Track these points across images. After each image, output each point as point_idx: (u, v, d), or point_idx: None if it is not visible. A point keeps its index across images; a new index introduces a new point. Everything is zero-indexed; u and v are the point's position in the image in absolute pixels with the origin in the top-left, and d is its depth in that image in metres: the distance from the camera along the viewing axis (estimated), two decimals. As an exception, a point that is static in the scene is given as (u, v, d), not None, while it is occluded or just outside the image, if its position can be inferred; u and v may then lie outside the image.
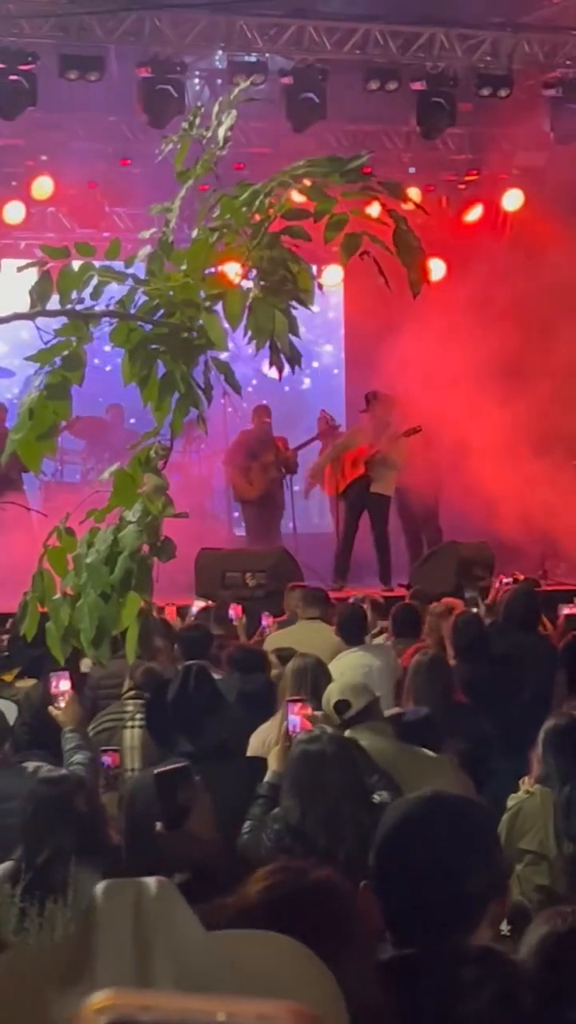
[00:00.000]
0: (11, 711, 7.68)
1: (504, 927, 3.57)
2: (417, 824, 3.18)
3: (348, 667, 9.18)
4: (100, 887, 1.72)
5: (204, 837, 4.41)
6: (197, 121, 4.62)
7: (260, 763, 6.78)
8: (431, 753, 7.14)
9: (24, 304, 4.71)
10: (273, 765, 6.33)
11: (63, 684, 7.78)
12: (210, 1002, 1.47)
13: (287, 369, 4.63)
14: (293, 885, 2.66)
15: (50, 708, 7.78)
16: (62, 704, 7.73)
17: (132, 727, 8.31)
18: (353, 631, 10.07)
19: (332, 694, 7.32)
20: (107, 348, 4.91)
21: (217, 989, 1.65)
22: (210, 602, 12.45)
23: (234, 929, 2.04)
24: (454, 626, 10.03)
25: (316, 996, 1.77)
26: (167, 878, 1.76)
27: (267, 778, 6.27)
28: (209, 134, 4.57)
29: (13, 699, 8.48)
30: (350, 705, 7.18)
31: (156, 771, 4.53)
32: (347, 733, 6.86)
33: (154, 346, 4.52)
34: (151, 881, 1.73)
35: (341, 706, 7.19)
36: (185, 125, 4.65)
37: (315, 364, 20.58)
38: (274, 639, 10.71)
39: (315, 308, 4.70)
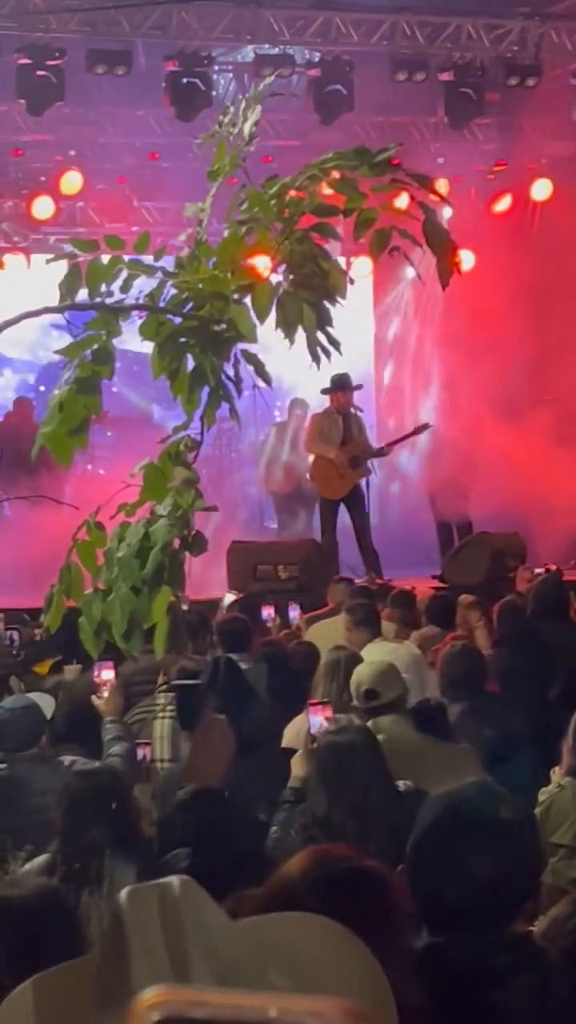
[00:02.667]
0: (48, 704, 7.69)
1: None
2: (458, 817, 3.18)
3: (377, 656, 9.17)
4: (123, 894, 1.73)
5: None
6: (227, 120, 4.63)
7: (294, 755, 6.78)
8: (452, 744, 7.12)
9: (53, 299, 4.72)
10: (296, 770, 6.32)
11: (106, 674, 7.79)
12: (262, 998, 1.47)
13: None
14: (338, 866, 2.65)
15: (92, 697, 7.80)
16: (105, 694, 7.75)
17: (162, 718, 8.35)
18: (370, 626, 10.03)
19: (363, 679, 7.31)
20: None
21: (257, 977, 1.66)
22: (240, 595, 12.43)
23: (266, 913, 2.03)
24: (499, 614, 10.01)
25: (357, 979, 1.77)
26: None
27: (291, 783, 6.26)
28: (236, 130, 4.58)
29: (51, 691, 8.52)
30: (379, 695, 7.17)
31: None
32: (369, 722, 6.87)
33: (183, 339, 4.53)
34: (174, 880, 1.73)
35: (371, 694, 7.18)
36: (217, 127, 4.66)
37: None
38: (316, 630, 10.70)
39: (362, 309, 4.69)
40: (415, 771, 6.00)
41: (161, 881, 1.73)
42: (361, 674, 7.36)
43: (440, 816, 3.21)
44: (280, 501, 18.90)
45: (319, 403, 18.07)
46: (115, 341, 4.60)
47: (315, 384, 16.24)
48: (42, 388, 18.61)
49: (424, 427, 16.85)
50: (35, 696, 7.76)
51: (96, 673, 7.83)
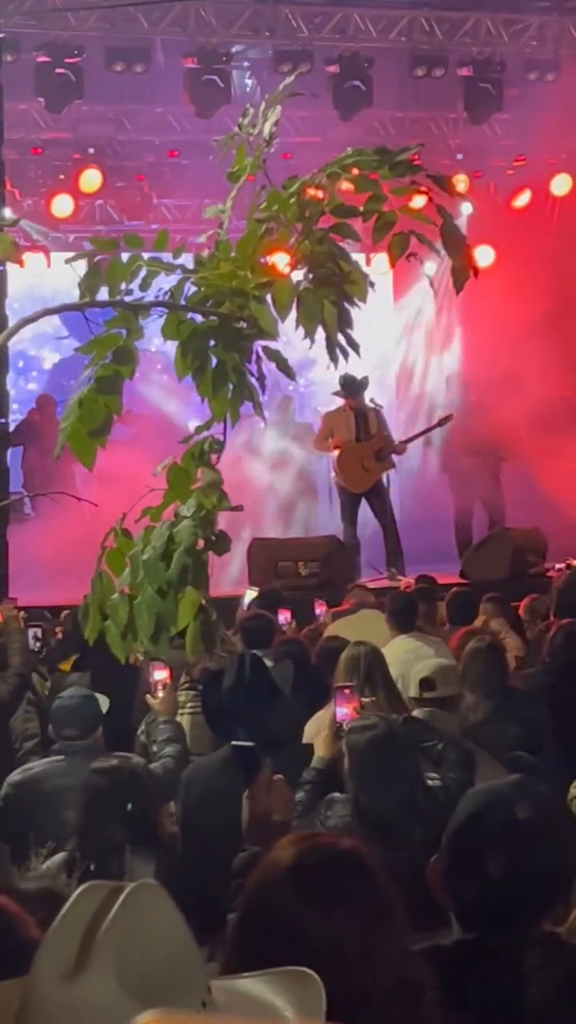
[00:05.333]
0: (104, 702, 7.72)
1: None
2: (495, 813, 3.17)
3: (401, 651, 9.17)
4: (82, 887, 1.73)
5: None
6: (247, 121, 4.62)
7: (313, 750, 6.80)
8: (488, 756, 7.13)
9: (70, 297, 4.72)
10: (319, 751, 6.34)
11: (159, 674, 7.81)
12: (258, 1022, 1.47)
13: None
14: (320, 852, 2.65)
15: (147, 697, 7.83)
16: (160, 694, 7.76)
17: (183, 714, 8.39)
18: (404, 619, 10.06)
19: (422, 671, 7.35)
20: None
21: (161, 998, 1.65)
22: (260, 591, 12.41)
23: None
24: (552, 639, 9.96)
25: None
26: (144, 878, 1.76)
27: (313, 763, 6.28)
28: (256, 130, 4.57)
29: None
30: (435, 686, 7.21)
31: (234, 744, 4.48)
32: (416, 712, 6.95)
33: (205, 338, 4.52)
34: (130, 884, 1.73)
35: (426, 684, 7.22)
36: (237, 129, 4.65)
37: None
38: (336, 627, 10.70)
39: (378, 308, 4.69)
40: None
41: (119, 883, 1.73)
42: (418, 670, 7.39)
43: (477, 812, 3.20)
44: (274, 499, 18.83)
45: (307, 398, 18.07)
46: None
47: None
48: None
49: (446, 419, 16.77)
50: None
51: (151, 673, 7.85)
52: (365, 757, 5.76)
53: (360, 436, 16.26)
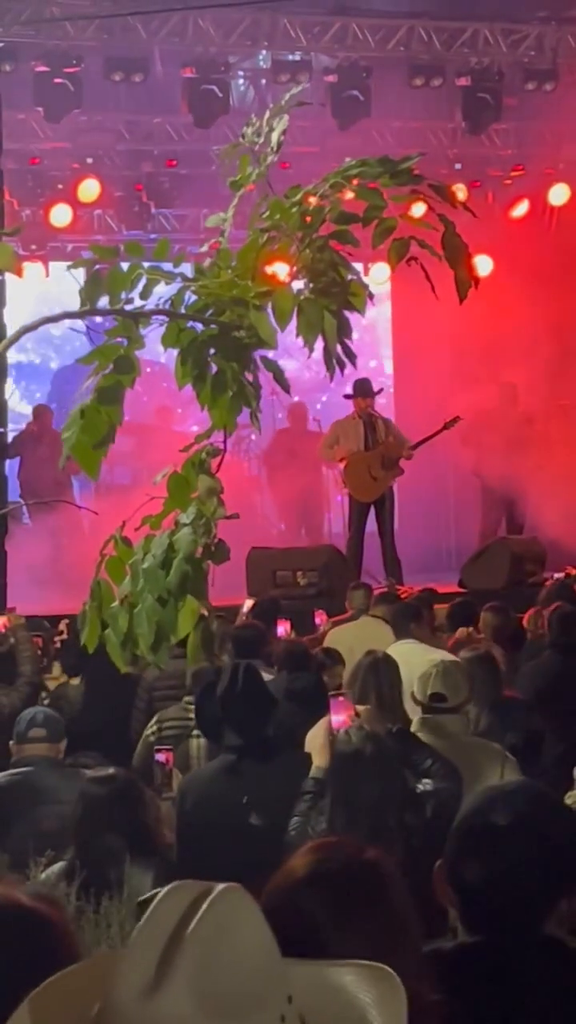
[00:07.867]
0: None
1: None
2: (500, 812, 3.17)
3: (405, 653, 9.18)
4: (169, 886, 1.72)
5: None
6: (251, 131, 4.63)
7: (311, 758, 6.80)
8: (494, 745, 7.16)
9: (67, 306, 4.73)
10: (317, 760, 6.35)
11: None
12: None
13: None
14: (336, 861, 2.65)
15: None
16: None
17: (198, 737, 8.22)
18: (406, 625, 10.07)
19: (431, 681, 7.36)
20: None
21: (238, 1010, 1.64)
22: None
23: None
24: (548, 622, 10.00)
25: None
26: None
27: (312, 773, 6.30)
28: (261, 140, 4.58)
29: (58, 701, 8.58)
30: (446, 699, 7.23)
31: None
32: (419, 716, 7.07)
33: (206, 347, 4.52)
34: (219, 886, 1.71)
35: (436, 698, 7.25)
36: (241, 138, 4.65)
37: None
38: (336, 635, 10.70)
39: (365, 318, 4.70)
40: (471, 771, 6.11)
41: (208, 884, 1.71)
42: (424, 676, 7.41)
43: (479, 814, 3.20)
44: (289, 507, 18.84)
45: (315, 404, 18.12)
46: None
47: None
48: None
49: (453, 421, 16.62)
50: None
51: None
52: (347, 767, 5.78)
53: (369, 444, 16.21)
